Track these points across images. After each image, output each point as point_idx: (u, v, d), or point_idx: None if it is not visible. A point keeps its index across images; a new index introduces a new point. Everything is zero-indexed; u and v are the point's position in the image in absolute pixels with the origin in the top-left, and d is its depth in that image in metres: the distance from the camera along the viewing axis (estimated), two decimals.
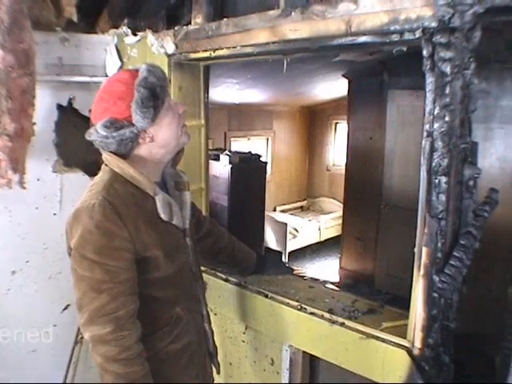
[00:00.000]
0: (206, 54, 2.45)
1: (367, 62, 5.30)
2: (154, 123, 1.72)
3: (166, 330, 1.85)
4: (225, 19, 2.32)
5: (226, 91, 6.42)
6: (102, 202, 1.65)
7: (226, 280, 2.57)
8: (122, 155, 1.77)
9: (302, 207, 10.17)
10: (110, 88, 1.73)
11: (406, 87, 5.47)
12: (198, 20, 2.52)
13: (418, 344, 1.80)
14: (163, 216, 1.80)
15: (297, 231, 8.34)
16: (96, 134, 1.71)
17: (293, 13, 2.01)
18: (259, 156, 7.08)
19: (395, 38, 1.75)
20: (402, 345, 1.88)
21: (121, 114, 1.68)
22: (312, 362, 2.44)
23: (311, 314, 2.19)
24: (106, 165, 1.80)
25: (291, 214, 9.46)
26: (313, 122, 10.09)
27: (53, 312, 3.17)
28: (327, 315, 2.14)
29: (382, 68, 5.58)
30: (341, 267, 6.95)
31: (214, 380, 2.17)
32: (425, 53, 1.66)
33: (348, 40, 1.88)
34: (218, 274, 2.61)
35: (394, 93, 5.66)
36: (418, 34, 1.67)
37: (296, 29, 2.01)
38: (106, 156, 1.78)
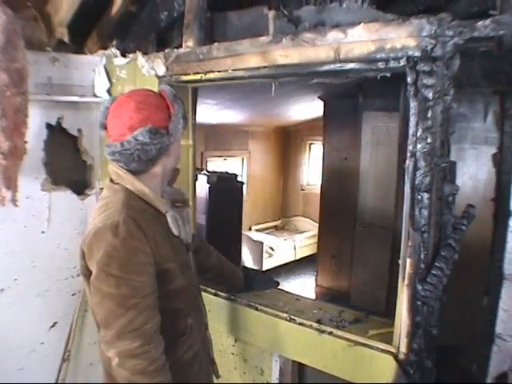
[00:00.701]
0: (197, 77, 2.56)
1: (343, 84, 5.46)
2: (170, 143, 1.84)
3: (182, 340, 1.93)
4: (216, 43, 2.44)
5: (205, 111, 6.52)
6: (125, 220, 1.71)
7: (216, 294, 2.65)
8: (135, 172, 1.85)
9: (276, 226, 10.28)
10: (146, 99, 1.81)
11: (381, 109, 5.63)
12: (189, 43, 2.63)
13: (403, 349, 1.92)
14: (175, 231, 1.90)
15: (273, 250, 8.44)
16: (135, 141, 1.74)
17: (284, 39, 2.14)
18: (236, 176, 7.18)
19: (381, 65, 1.90)
20: (388, 350, 2.00)
21: (161, 122, 1.78)
22: (300, 371, 2.53)
23: (300, 324, 2.29)
24: (113, 183, 1.88)
25: (266, 233, 9.55)
26: (287, 142, 10.26)
27: (40, 330, 3.18)
28: (316, 325, 2.25)
29: (357, 90, 5.74)
30: (317, 285, 7.06)
31: None
32: (409, 80, 1.82)
33: (337, 66, 2.02)
34: (208, 288, 2.68)
35: (369, 114, 5.82)
36: (402, 62, 1.82)
37: (286, 55, 2.14)
38: (118, 173, 1.84)
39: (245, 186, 8.48)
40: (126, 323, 1.68)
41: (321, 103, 6.68)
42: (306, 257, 8.96)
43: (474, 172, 3.54)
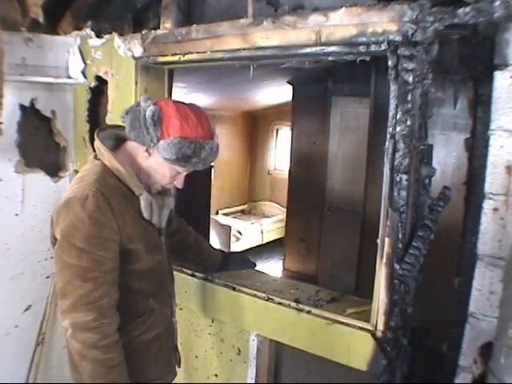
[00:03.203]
0: (176, 58, 2.55)
1: (312, 69, 5.48)
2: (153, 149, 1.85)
3: (140, 321, 1.95)
4: (194, 25, 2.44)
5: (174, 95, 6.46)
6: (95, 193, 1.73)
7: (193, 275, 2.67)
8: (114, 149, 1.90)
9: (243, 211, 10.30)
10: (200, 118, 1.90)
11: (350, 94, 5.68)
12: (167, 25, 2.62)
13: (380, 327, 1.98)
14: (145, 215, 1.91)
15: (240, 234, 8.48)
16: (143, 110, 1.82)
17: (264, 22, 2.15)
18: None
19: (362, 49, 1.93)
20: (366, 328, 2.05)
21: (172, 129, 1.82)
22: (277, 350, 2.57)
23: (279, 303, 2.33)
24: (96, 158, 1.90)
25: (234, 217, 9.57)
26: (254, 127, 10.24)
27: (15, 313, 3.16)
28: (294, 304, 2.30)
29: (327, 75, 5.77)
30: (284, 268, 7.11)
31: (176, 373, 2.26)
32: (390, 63, 1.85)
33: (317, 49, 2.04)
34: (184, 269, 2.70)
35: (338, 99, 5.85)
36: (383, 46, 1.86)
37: (267, 37, 2.16)
38: (100, 149, 1.87)
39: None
40: (82, 295, 1.71)
41: (289, 88, 6.68)
42: (273, 241, 9.05)
43: (442, 157, 3.62)
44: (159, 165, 1.88)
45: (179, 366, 2.28)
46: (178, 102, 1.93)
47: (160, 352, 2.07)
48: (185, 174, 1.98)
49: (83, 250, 1.71)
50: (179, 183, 1.99)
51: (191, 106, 1.92)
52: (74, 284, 1.71)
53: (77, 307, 1.71)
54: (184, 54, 2.51)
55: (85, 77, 3.08)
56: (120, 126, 1.97)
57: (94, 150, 1.93)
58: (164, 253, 2.09)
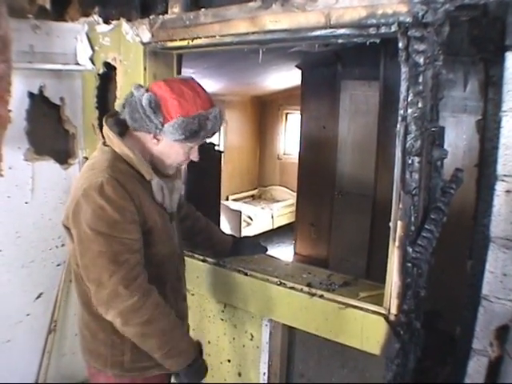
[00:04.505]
0: (184, 43, 2.53)
1: (321, 52, 5.44)
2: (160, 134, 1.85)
3: None
4: (203, 9, 2.42)
5: None
6: (109, 180, 1.74)
7: (204, 261, 2.67)
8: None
9: (253, 196, 10.30)
10: (195, 90, 1.88)
11: (359, 78, 5.62)
12: (175, 9, 2.60)
13: (394, 310, 1.98)
14: (158, 199, 1.92)
15: (251, 219, 8.48)
16: (139, 100, 1.81)
17: (273, 5, 2.13)
18: (214, 145, 7.13)
19: (372, 31, 1.91)
20: (379, 312, 2.05)
21: (172, 110, 1.81)
22: (290, 335, 2.58)
23: (291, 288, 2.33)
24: (105, 144, 1.91)
25: (244, 202, 9.58)
26: (264, 111, 10.21)
27: (26, 301, 3.18)
28: (306, 289, 2.30)
29: (336, 59, 5.71)
30: (295, 253, 7.10)
31: None
32: (400, 45, 1.83)
33: (327, 32, 2.02)
34: (196, 255, 2.71)
35: (347, 83, 5.79)
36: (393, 28, 1.83)
37: (276, 20, 2.13)
38: (109, 135, 1.88)
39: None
40: (120, 279, 1.71)
41: (298, 72, 6.63)
42: (283, 226, 9.05)
43: (453, 140, 3.59)
44: (170, 147, 1.89)
45: None
46: (169, 80, 1.92)
47: None
48: (197, 146, 1.98)
49: (110, 236, 1.72)
50: (195, 156, 1.99)
51: (183, 79, 1.92)
52: (109, 270, 1.72)
53: (119, 293, 1.72)
54: (192, 39, 2.49)
55: (93, 63, 3.08)
56: None
57: (103, 137, 1.93)
58: (175, 238, 2.10)
